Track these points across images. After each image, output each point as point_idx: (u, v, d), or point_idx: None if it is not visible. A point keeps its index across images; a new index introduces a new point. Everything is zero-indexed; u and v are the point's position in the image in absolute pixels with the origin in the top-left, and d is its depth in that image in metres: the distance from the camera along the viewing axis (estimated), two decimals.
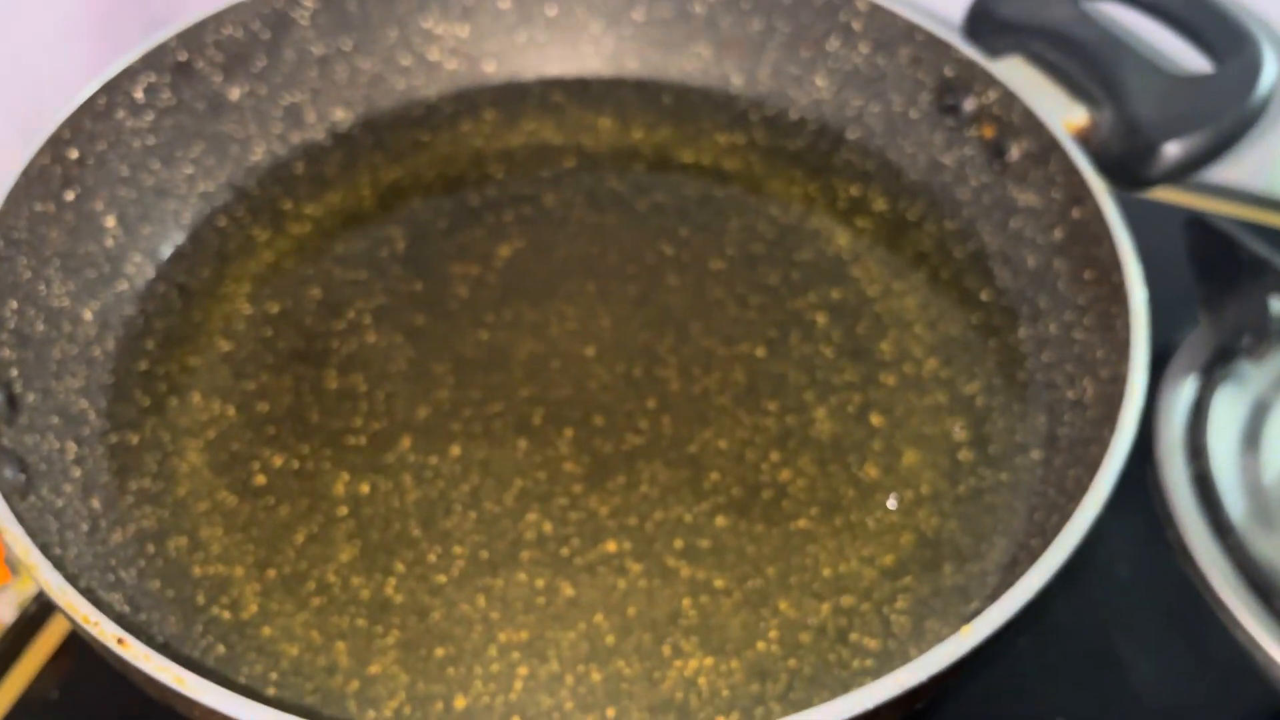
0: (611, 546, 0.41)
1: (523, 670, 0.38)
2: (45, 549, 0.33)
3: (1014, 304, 0.48)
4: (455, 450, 0.44)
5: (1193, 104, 0.46)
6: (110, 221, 0.47)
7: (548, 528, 0.41)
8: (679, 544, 0.41)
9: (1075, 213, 0.44)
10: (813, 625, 0.39)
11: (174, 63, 0.49)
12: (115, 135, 0.47)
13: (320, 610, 0.39)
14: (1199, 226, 0.55)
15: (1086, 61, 0.48)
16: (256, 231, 0.51)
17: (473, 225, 0.52)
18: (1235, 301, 0.54)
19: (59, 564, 0.32)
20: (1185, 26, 0.49)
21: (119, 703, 0.44)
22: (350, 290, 0.49)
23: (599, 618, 0.39)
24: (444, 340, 0.47)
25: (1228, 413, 0.54)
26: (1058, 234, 0.46)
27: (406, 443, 0.44)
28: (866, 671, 0.38)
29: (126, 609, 0.38)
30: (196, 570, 0.40)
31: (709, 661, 0.38)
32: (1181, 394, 0.54)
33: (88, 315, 0.46)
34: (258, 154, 0.53)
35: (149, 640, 0.36)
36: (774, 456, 0.43)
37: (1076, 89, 0.48)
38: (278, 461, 0.43)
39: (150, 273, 0.49)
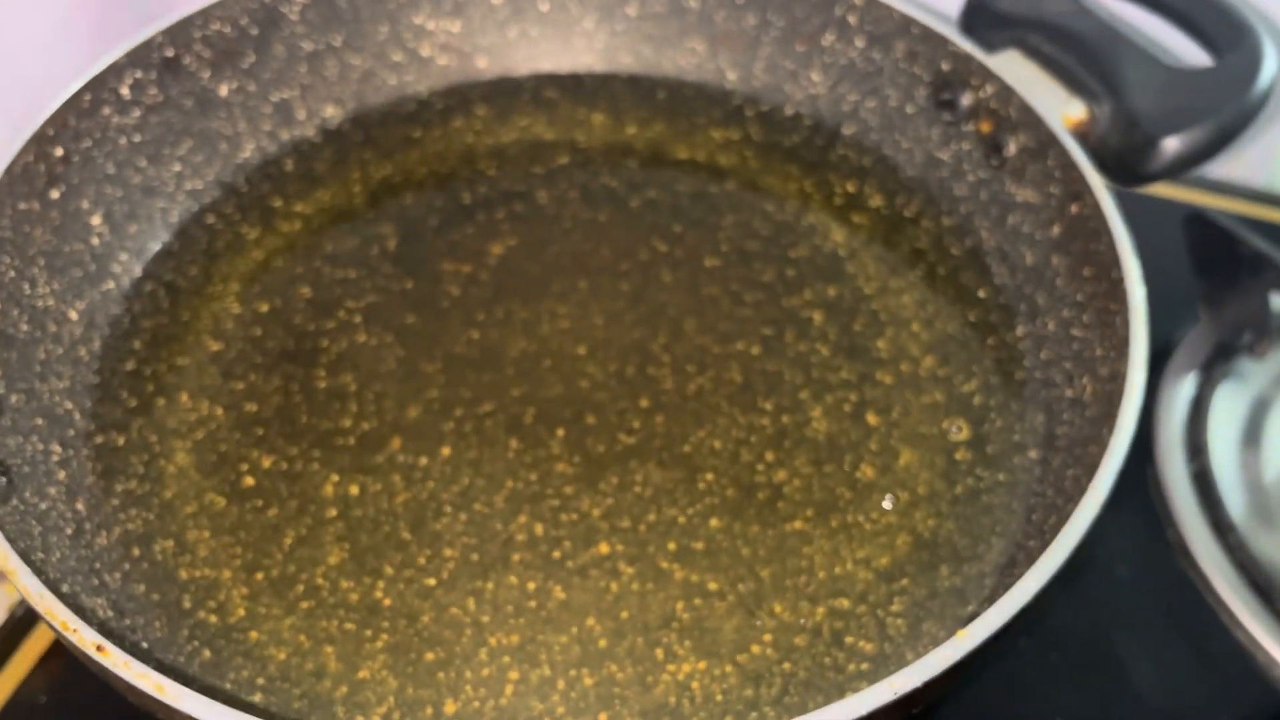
0: (604, 549, 0.40)
1: (514, 674, 0.38)
2: (27, 553, 0.32)
3: (1012, 301, 0.47)
4: (446, 451, 0.43)
5: (1192, 98, 0.45)
6: (96, 220, 0.47)
7: (539, 529, 0.41)
8: (672, 546, 0.40)
9: (1073, 208, 0.44)
10: (808, 628, 0.39)
11: (161, 59, 0.48)
12: (101, 132, 0.47)
13: (308, 614, 0.39)
14: (1199, 222, 0.54)
15: (1084, 55, 0.47)
16: (246, 229, 0.50)
17: (464, 223, 0.51)
18: (1235, 298, 0.54)
19: (41, 568, 0.31)
20: (1184, 20, 0.49)
21: (107, 706, 0.43)
22: (340, 289, 0.48)
23: (591, 621, 0.39)
24: (435, 339, 0.47)
25: (1228, 410, 0.53)
26: (1056, 230, 0.45)
27: (396, 443, 0.43)
28: (862, 675, 0.38)
29: (111, 614, 0.38)
30: (183, 573, 0.40)
31: (702, 665, 0.38)
32: (1181, 391, 0.54)
33: (73, 315, 0.45)
34: (247, 151, 0.53)
35: (133, 646, 0.36)
36: (769, 456, 0.43)
37: (1074, 83, 0.47)
38: (266, 463, 0.43)
39: (137, 271, 0.48)
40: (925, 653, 0.30)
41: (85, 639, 0.29)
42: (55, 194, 0.45)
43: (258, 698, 0.37)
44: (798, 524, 0.41)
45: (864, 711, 0.29)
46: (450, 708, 0.37)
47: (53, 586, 0.31)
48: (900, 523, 0.41)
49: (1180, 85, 0.46)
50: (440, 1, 0.55)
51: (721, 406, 0.44)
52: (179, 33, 0.49)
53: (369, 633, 0.38)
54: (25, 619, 0.46)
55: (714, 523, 0.41)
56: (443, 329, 0.47)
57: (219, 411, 0.44)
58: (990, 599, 0.38)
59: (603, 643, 0.38)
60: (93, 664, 0.30)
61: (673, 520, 0.41)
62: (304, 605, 0.39)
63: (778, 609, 0.39)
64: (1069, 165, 0.44)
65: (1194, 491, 0.50)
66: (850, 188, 0.52)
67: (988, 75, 0.47)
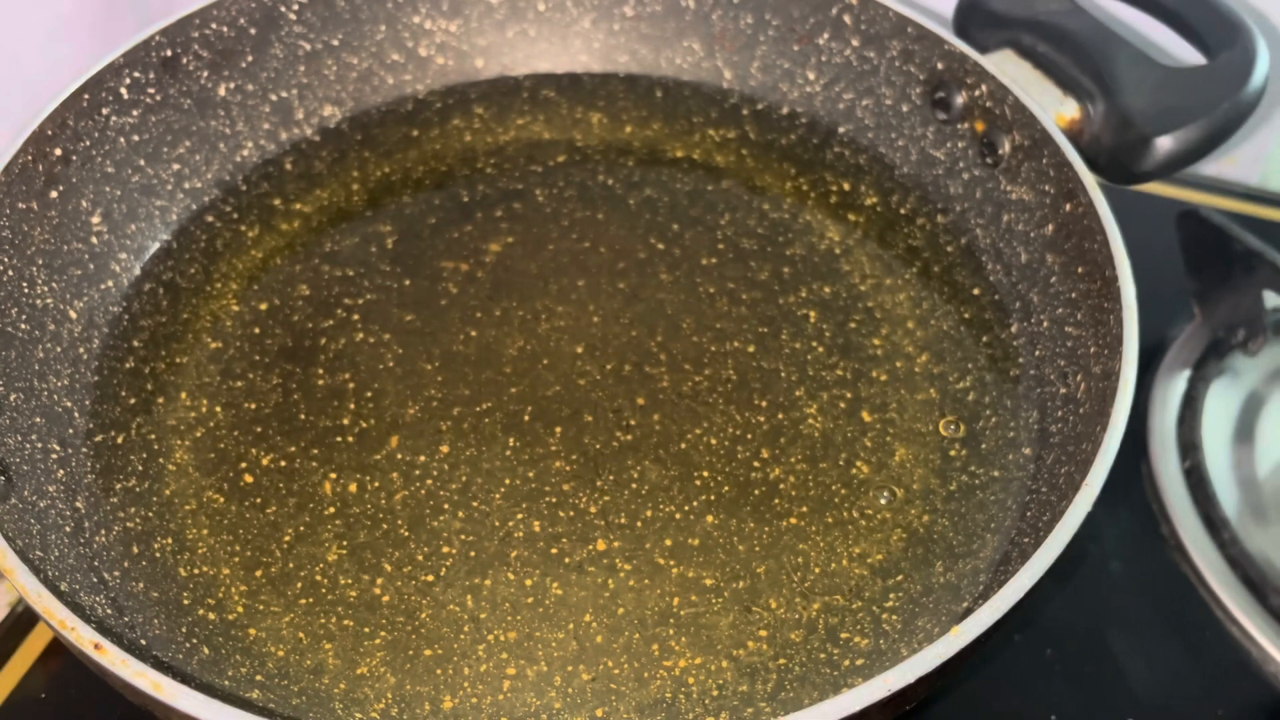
0: (601, 545, 0.41)
1: (511, 670, 0.38)
2: (26, 552, 0.32)
3: (1006, 299, 0.47)
4: (444, 449, 0.43)
5: (1185, 97, 0.46)
6: (95, 219, 0.47)
7: (536, 526, 0.41)
8: (669, 542, 0.41)
9: (1067, 207, 0.44)
10: (803, 624, 0.39)
11: (159, 59, 0.49)
12: (100, 132, 0.47)
13: (307, 611, 0.39)
14: (1192, 219, 0.55)
15: (1078, 54, 0.47)
16: (245, 229, 0.51)
17: (462, 221, 0.51)
18: (1228, 295, 0.54)
19: (40, 567, 0.32)
20: (1177, 19, 0.49)
21: (107, 703, 0.43)
22: (339, 288, 0.49)
23: (588, 617, 0.39)
24: (433, 338, 0.47)
25: (1221, 407, 0.54)
26: (1049, 228, 0.45)
27: (395, 441, 0.43)
28: (857, 670, 0.38)
29: (110, 612, 0.38)
30: (182, 571, 0.40)
31: (698, 660, 0.38)
32: (1175, 388, 0.54)
33: (72, 314, 0.45)
34: (246, 151, 0.53)
35: (131, 643, 0.36)
36: (764, 453, 0.43)
37: (1068, 82, 0.47)
38: (265, 460, 0.43)
39: (136, 271, 0.48)
40: (920, 648, 0.30)
41: (83, 637, 0.29)
42: (54, 194, 0.45)
43: (256, 694, 0.37)
44: (793, 520, 0.41)
45: (858, 708, 0.29)
46: (448, 703, 0.37)
47: (51, 585, 0.32)
48: (895, 519, 0.42)
49: (1173, 84, 0.46)
50: (438, 1, 0.56)
51: (717, 404, 0.45)
52: (177, 32, 0.49)
53: (367, 629, 0.39)
54: (26, 616, 0.47)
55: (710, 519, 0.41)
56: (441, 327, 0.47)
57: (218, 410, 0.45)
58: (984, 595, 0.39)
59: (599, 638, 0.39)
60: (91, 662, 0.30)
61: (669, 517, 0.41)
62: (303, 602, 0.39)
63: (773, 605, 0.39)
64: (1062, 164, 0.44)
65: (1187, 488, 0.50)
66: (846, 186, 0.53)
67: (982, 75, 0.48)
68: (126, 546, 0.40)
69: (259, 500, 0.42)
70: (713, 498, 0.42)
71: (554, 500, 0.42)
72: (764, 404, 0.45)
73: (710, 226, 0.51)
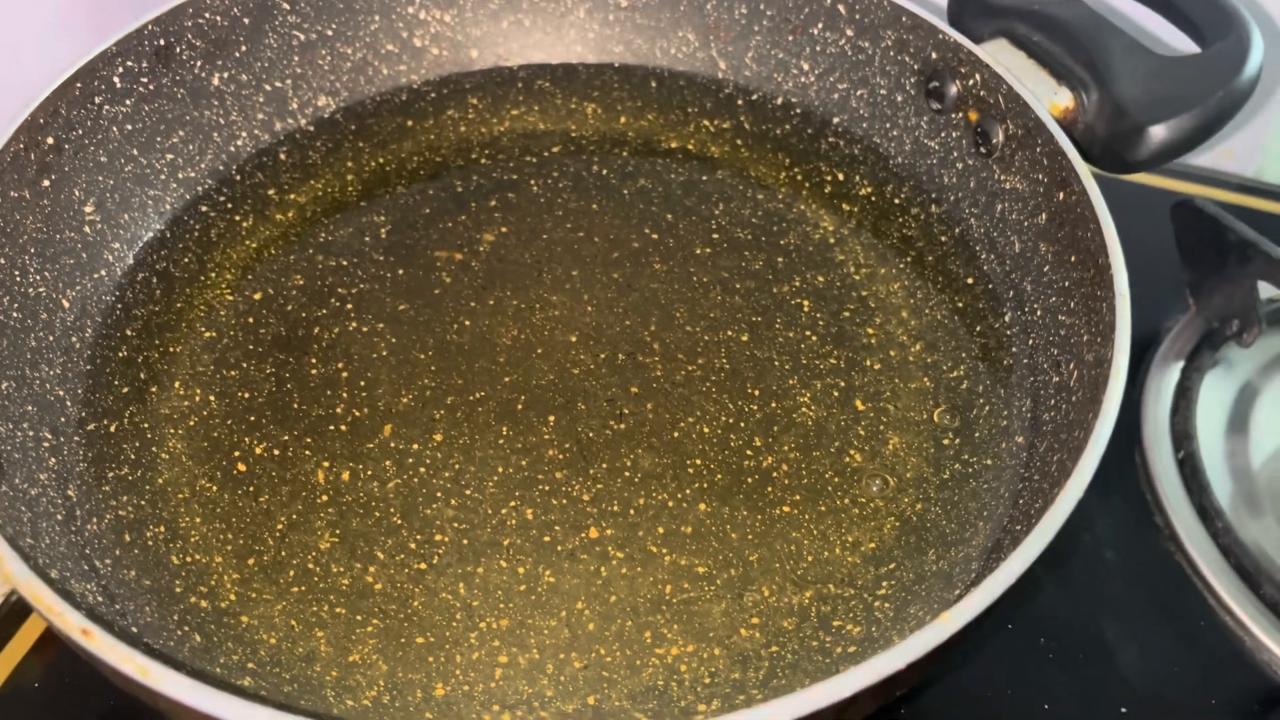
0: (594, 533, 0.41)
1: (503, 658, 0.38)
2: (15, 539, 0.32)
3: (999, 288, 0.47)
4: (437, 437, 0.43)
5: (1179, 86, 0.46)
6: (89, 208, 0.47)
7: (529, 514, 0.41)
8: (661, 530, 0.41)
9: (1060, 195, 0.44)
10: (795, 611, 0.39)
11: (153, 48, 0.49)
12: (93, 121, 0.47)
13: (299, 598, 0.39)
14: (1187, 210, 0.55)
15: (1071, 44, 0.47)
16: (239, 218, 0.51)
17: (457, 211, 0.51)
18: (1223, 286, 0.54)
19: (30, 554, 0.32)
20: (1171, 8, 0.49)
21: (101, 693, 0.44)
22: (333, 277, 0.49)
23: (580, 605, 0.39)
24: (427, 327, 0.47)
25: (1215, 398, 0.54)
26: (1043, 217, 0.45)
27: (388, 430, 0.43)
28: (849, 658, 0.38)
29: (101, 600, 0.38)
30: (175, 559, 0.40)
31: (691, 648, 0.38)
32: (1169, 379, 0.54)
33: (65, 303, 0.45)
34: (240, 141, 0.53)
35: (122, 631, 0.36)
36: (757, 442, 0.43)
37: (1062, 71, 0.47)
38: (259, 449, 0.43)
39: (130, 260, 0.48)
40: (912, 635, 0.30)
41: (70, 622, 0.29)
42: (46, 182, 0.45)
43: (248, 681, 0.37)
44: (786, 508, 0.41)
45: (849, 692, 0.29)
46: (440, 691, 0.37)
47: (40, 572, 0.32)
48: (888, 507, 0.42)
49: (1167, 73, 0.46)
50: None
51: (711, 393, 0.45)
52: (170, 22, 0.49)
53: (360, 617, 0.39)
54: (19, 606, 0.47)
55: (703, 507, 0.41)
56: (435, 317, 0.47)
57: (212, 399, 0.45)
58: (977, 583, 0.38)
59: (592, 626, 0.39)
60: (79, 648, 0.30)
61: (662, 505, 0.41)
62: (295, 590, 0.39)
63: (766, 592, 0.39)
64: (1056, 153, 0.44)
65: (1181, 478, 0.50)
66: (840, 176, 0.53)
67: (976, 64, 0.48)
68: (118, 534, 0.40)
69: (252, 489, 0.42)
70: (705, 486, 0.42)
71: (547, 488, 0.42)
72: (757, 393, 0.45)
73: (704, 216, 0.51)
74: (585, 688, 0.37)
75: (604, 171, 0.53)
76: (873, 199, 0.52)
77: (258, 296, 0.48)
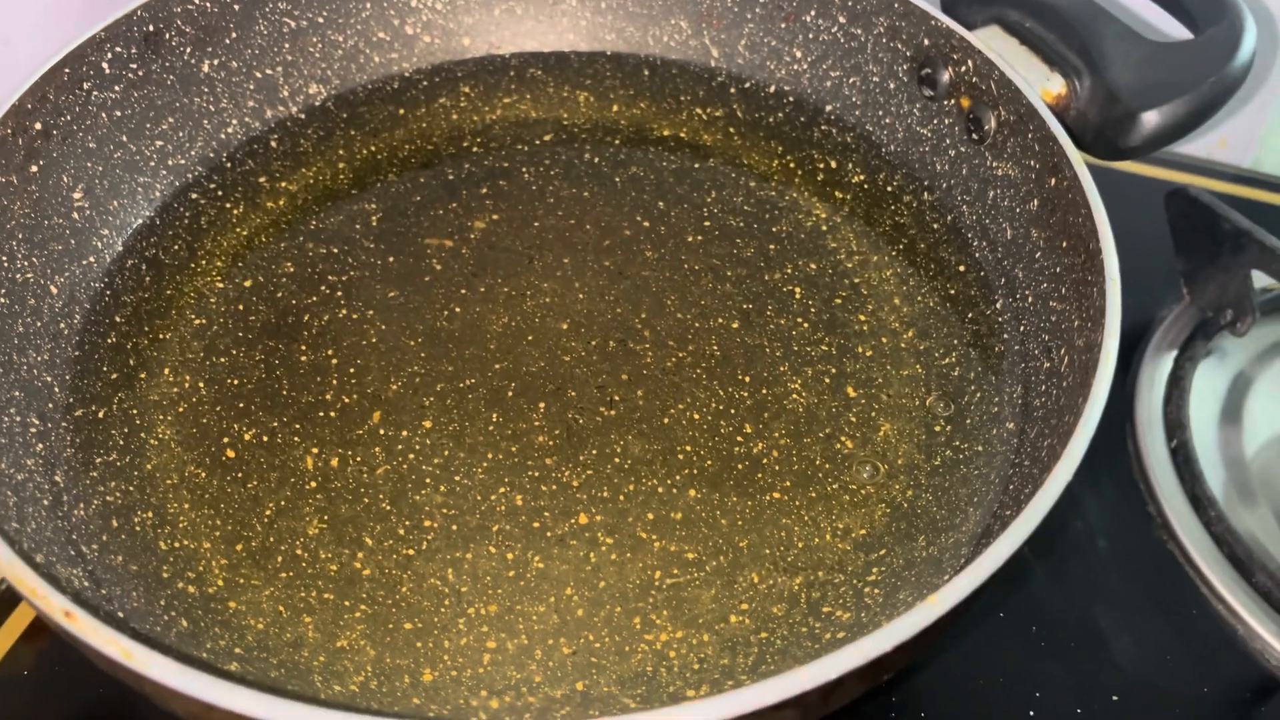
0: (583, 519, 0.41)
1: (491, 644, 0.38)
2: (1, 522, 0.32)
3: (991, 275, 0.47)
4: (427, 424, 0.43)
5: (1172, 72, 0.45)
6: (77, 195, 0.47)
7: (519, 500, 0.41)
8: (651, 516, 0.41)
9: (1052, 182, 0.44)
10: (785, 597, 0.39)
11: (142, 34, 0.48)
12: (81, 107, 0.47)
13: (288, 584, 0.39)
14: (1181, 198, 0.54)
15: (1064, 30, 0.47)
16: (229, 206, 0.50)
17: (448, 199, 0.51)
18: (1217, 275, 0.54)
19: (15, 538, 0.31)
20: None
21: (90, 681, 0.43)
22: (323, 265, 0.48)
23: (569, 590, 0.39)
24: (417, 314, 0.47)
25: (1208, 387, 0.54)
26: (1034, 204, 0.45)
27: (377, 417, 0.43)
28: (839, 644, 0.38)
29: (87, 584, 0.38)
30: (162, 545, 0.40)
31: (680, 634, 0.38)
32: (1162, 368, 0.54)
33: (53, 289, 0.45)
34: (231, 128, 0.53)
35: (109, 615, 0.36)
36: (748, 428, 0.43)
37: (1054, 58, 0.47)
38: (248, 436, 0.43)
39: (119, 247, 0.48)
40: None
41: (54, 605, 0.29)
42: (34, 168, 0.45)
43: (235, 667, 0.37)
44: (776, 495, 0.41)
45: (835, 674, 0.29)
46: (428, 676, 0.37)
47: (25, 555, 0.31)
48: (878, 494, 0.41)
49: (1160, 59, 0.46)
50: None
51: (701, 380, 0.44)
52: (159, 8, 0.49)
53: (348, 603, 0.39)
54: (8, 595, 0.46)
55: (692, 493, 0.41)
56: (425, 304, 0.47)
57: (201, 385, 0.44)
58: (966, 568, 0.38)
59: (581, 612, 0.38)
60: (63, 632, 0.30)
61: (652, 491, 0.41)
62: (283, 576, 0.39)
63: (755, 578, 0.39)
64: (1048, 139, 0.44)
65: (1174, 467, 0.50)
66: (832, 164, 0.52)
67: (968, 50, 0.47)
68: (106, 520, 0.40)
69: (240, 475, 0.42)
70: (695, 472, 0.42)
71: (536, 475, 0.42)
72: (747, 379, 0.44)
73: (696, 204, 0.51)
74: (574, 673, 0.37)
75: (596, 159, 0.53)
76: (865, 187, 0.51)
77: (248, 284, 0.48)
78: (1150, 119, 0.45)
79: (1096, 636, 0.46)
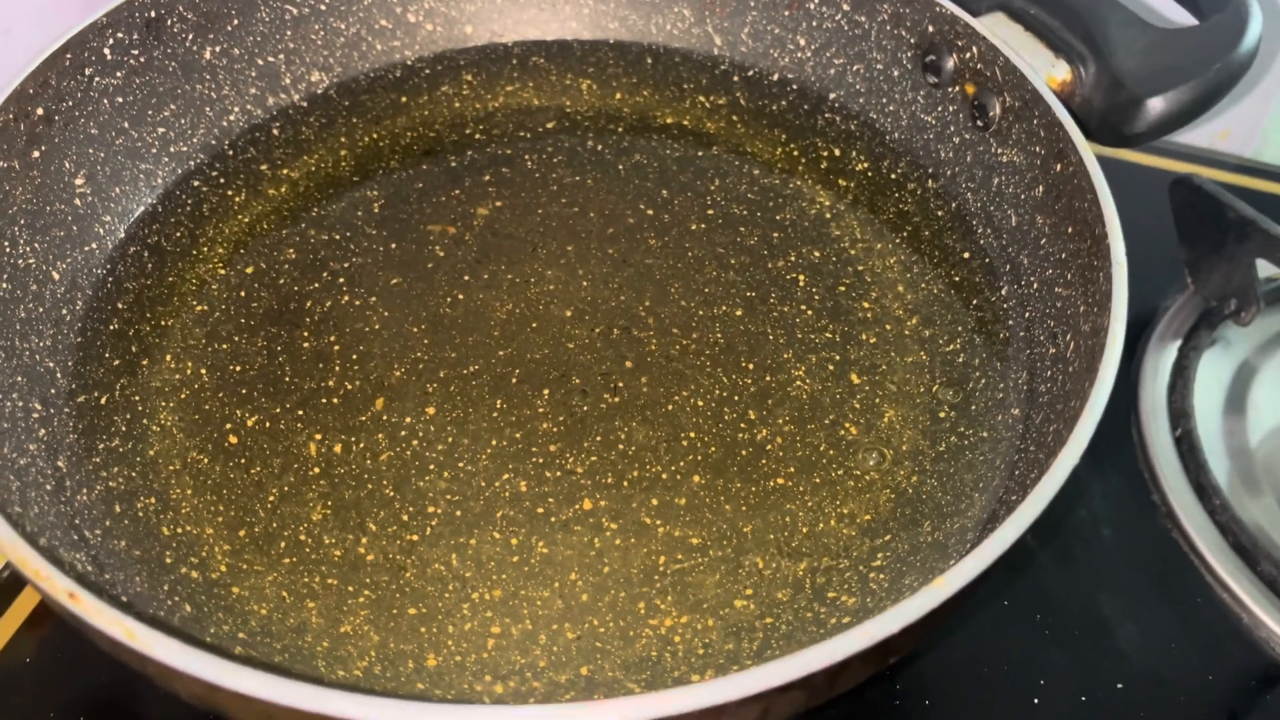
0: (587, 505, 0.40)
1: (496, 629, 0.38)
2: (4, 506, 0.32)
3: (996, 262, 0.47)
4: (430, 410, 0.43)
5: (1177, 58, 0.45)
6: (79, 181, 0.47)
7: (523, 486, 0.41)
8: (655, 502, 0.40)
9: (1057, 167, 0.44)
10: (790, 583, 0.39)
11: (143, 20, 0.48)
12: (83, 93, 0.47)
13: (291, 570, 0.39)
14: (1185, 187, 0.54)
15: (1069, 17, 0.47)
16: (231, 194, 0.50)
17: (451, 187, 0.51)
18: (1221, 264, 0.54)
19: (18, 522, 0.31)
20: None
21: (92, 668, 0.43)
22: (325, 252, 0.48)
23: (574, 576, 0.39)
24: (420, 301, 0.46)
25: (1213, 376, 0.53)
26: (1039, 190, 0.45)
27: (380, 403, 0.43)
28: (844, 629, 0.37)
29: (90, 569, 0.38)
30: (165, 530, 0.40)
31: (685, 619, 0.38)
32: (1166, 357, 0.54)
33: (55, 275, 0.45)
34: (232, 116, 0.52)
35: (112, 599, 0.35)
36: (752, 415, 0.43)
37: (1059, 44, 0.47)
38: (250, 422, 0.43)
39: (121, 233, 0.48)
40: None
41: (58, 586, 0.29)
42: (36, 154, 0.45)
43: (239, 652, 0.37)
44: (780, 481, 0.41)
45: (841, 657, 0.29)
46: (432, 661, 0.37)
47: (29, 538, 0.31)
48: (883, 480, 0.41)
49: (1165, 46, 0.46)
50: None
51: (705, 367, 0.44)
52: None
53: (351, 588, 0.38)
54: (10, 582, 0.46)
55: (697, 479, 0.41)
56: (428, 290, 0.47)
57: (203, 372, 0.44)
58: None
59: (585, 597, 0.38)
60: (66, 613, 0.30)
61: (656, 477, 0.41)
62: (286, 561, 0.39)
63: (760, 564, 0.39)
64: (1053, 124, 0.44)
65: (1178, 455, 0.50)
66: (836, 152, 0.52)
67: (973, 37, 0.47)
68: (108, 505, 0.40)
69: (243, 460, 0.42)
70: (699, 458, 0.42)
71: (540, 461, 0.42)
72: (751, 366, 0.44)
73: (700, 192, 0.51)
74: (578, 658, 0.37)
75: (599, 147, 0.53)
76: (869, 174, 0.51)
77: (250, 270, 0.48)
78: (1156, 105, 0.45)
79: (1101, 625, 0.46)
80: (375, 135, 0.53)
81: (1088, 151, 0.42)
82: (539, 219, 0.50)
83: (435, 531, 0.40)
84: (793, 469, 0.41)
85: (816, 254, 0.48)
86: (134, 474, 0.41)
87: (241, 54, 0.52)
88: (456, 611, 0.38)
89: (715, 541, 0.40)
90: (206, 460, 0.42)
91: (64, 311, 0.45)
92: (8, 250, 0.43)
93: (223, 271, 0.48)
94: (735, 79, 0.55)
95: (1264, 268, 0.53)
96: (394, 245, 0.48)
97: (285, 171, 0.51)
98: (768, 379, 0.44)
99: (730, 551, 0.39)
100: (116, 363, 0.44)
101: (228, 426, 0.43)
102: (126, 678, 0.43)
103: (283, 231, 0.49)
